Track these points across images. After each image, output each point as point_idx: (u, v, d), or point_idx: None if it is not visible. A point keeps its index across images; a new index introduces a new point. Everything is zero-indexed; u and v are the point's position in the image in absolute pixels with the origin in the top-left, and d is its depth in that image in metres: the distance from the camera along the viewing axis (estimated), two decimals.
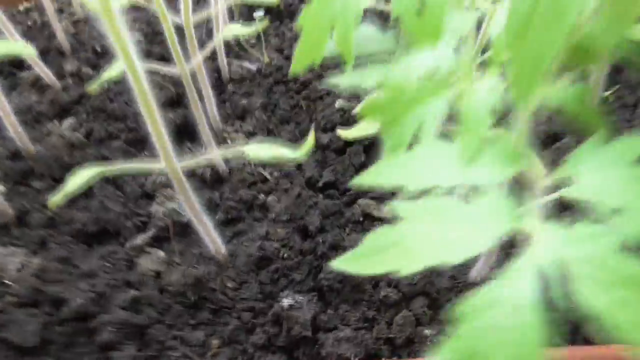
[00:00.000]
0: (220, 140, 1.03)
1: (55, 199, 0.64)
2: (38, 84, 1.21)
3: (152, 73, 0.69)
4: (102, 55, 1.29)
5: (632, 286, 0.28)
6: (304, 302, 0.74)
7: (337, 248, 0.83)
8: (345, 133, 0.92)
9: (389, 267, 0.32)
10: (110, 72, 0.80)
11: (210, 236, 0.79)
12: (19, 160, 0.99)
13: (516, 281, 0.30)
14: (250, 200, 0.92)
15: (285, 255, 0.83)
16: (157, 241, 0.86)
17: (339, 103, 1.06)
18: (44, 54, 1.27)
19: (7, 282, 0.76)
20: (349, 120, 1.04)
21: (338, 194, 0.94)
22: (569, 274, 0.29)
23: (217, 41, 0.97)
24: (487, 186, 0.35)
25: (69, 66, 1.24)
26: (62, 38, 1.28)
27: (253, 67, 1.21)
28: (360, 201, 0.89)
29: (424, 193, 0.37)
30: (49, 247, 0.85)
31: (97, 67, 1.24)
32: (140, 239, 0.85)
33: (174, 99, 1.12)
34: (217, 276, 0.79)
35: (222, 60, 1.18)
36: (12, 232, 0.87)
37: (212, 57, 1.19)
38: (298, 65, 0.50)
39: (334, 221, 0.86)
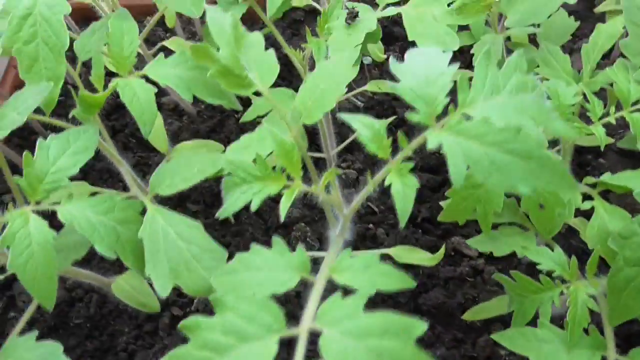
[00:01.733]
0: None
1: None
2: (177, 110, 1.43)
3: None
4: None
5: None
6: None
7: (432, 277, 1.05)
8: None
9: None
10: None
11: None
12: None
13: None
14: (363, 232, 1.15)
15: None
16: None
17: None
18: None
19: None
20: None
21: (434, 228, 1.15)
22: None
23: None
24: None
25: None
26: None
27: (359, 102, 1.41)
28: (453, 239, 1.11)
29: None
30: None
31: None
32: None
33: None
34: None
35: None
36: None
37: None
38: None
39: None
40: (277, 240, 0.51)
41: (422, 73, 0.48)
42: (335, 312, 0.43)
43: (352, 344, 0.40)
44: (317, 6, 0.84)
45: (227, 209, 0.53)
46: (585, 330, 0.62)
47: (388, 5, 0.71)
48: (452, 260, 1.06)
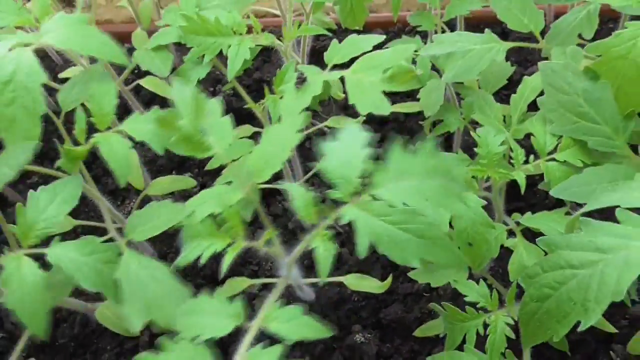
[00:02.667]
0: None
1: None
2: None
3: None
4: None
5: None
6: (371, 338, 1.08)
7: (392, 293, 1.15)
8: None
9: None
10: None
11: (301, 287, 1.12)
12: None
13: None
14: None
15: (356, 298, 1.17)
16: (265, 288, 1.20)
17: None
18: None
19: None
20: None
21: None
22: None
23: None
24: None
25: None
26: None
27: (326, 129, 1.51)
28: None
29: None
30: None
31: None
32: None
33: None
34: (308, 311, 1.13)
35: None
36: None
37: None
38: None
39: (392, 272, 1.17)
40: (219, 292, 0.61)
41: (343, 154, 0.58)
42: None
43: None
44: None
45: (184, 258, 0.63)
46: (504, 354, 0.73)
47: (336, 67, 0.80)
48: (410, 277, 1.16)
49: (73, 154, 0.74)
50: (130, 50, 0.97)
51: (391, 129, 1.32)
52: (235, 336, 0.62)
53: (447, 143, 1.25)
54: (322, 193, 1.29)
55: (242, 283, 0.93)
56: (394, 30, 1.52)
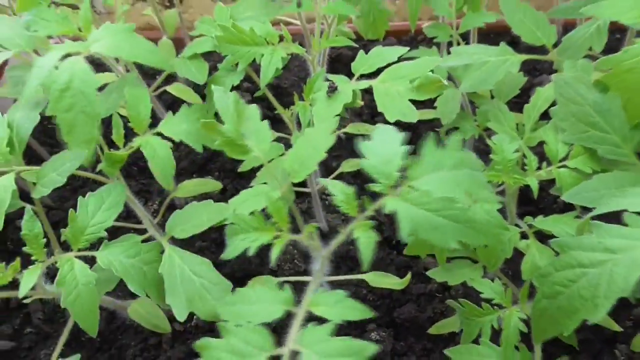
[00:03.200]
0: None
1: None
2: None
3: None
4: None
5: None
6: (386, 336, 1.13)
7: (406, 293, 1.20)
8: None
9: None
10: None
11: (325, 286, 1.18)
12: None
13: None
14: (344, 253, 1.30)
15: (371, 298, 1.21)
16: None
17: None
18: None
19: None
20: None
21: None
22: None
23: None
24: None
25: None
26: None
27: (342, 136, 1.56)
28: (424, 259, 1.25)
29: None
30: None
31: None
32: None
33: None
34: None
35: None
36: None
37: None
38: None
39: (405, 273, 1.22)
40: (269, 279, 0.66)
41: (381, 153, 0.63)
42: (310, 337, 0.58)
43: None
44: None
45: (230, 252, 0.68)
46: (517, 347, 0.78)
47: (362, 76, 0.86)
48: (423, 277, 1.19)
49: (114, 158, 0.79)
50: None
51: (417, 129, 1.38)
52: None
53: None
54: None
55: (267, 281, 0.98)
56: (407, 39, 1.58)
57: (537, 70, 1.46)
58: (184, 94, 1.20)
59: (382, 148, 0.64)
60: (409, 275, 0.99)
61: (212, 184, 1.04)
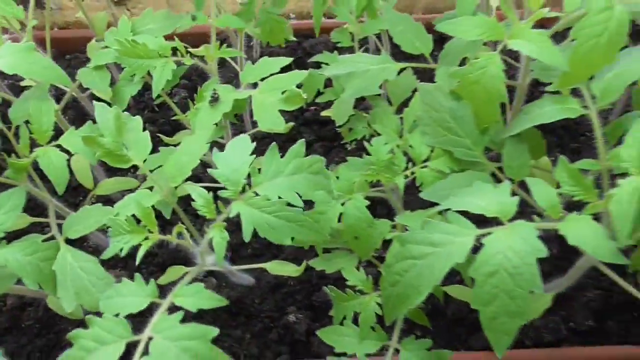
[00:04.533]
0: None
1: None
2: None
3: None
4: None
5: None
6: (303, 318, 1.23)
7: (324, 278, 1.30)
8: None
9: None
10: None
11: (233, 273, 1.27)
12: None
13: None
14: (268, 242, 1.40)
15: (292, 283, 1.31)
16: (211, 274, 1.35)
17: None
18: None
19: None
20: None
21: None
22: None
23: None
24: None
25: None
26: None
27: None
28: None
29: None
30: None
31: None
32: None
33: None
34: (248, 295, 1.28)
35: None
36: None
37: None
38: None
39: None
40: (138, 276, 0.75)
41: (231, 162, 0.73)
42: (162, 324, 0.68)
43: (170, 344, 0.65)
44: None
45: (110, 252, 0.78)
46: (373, 328, 0.88)
47: (248, 85, 0.94)
48: None
49: (18, 165, 0.88)
50: None
51: (330, 129, 1.46)
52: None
53: None
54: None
55: (179, 270, 1.07)
56: None
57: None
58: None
59: (232, 158, 0.73)
60: (304, 264, 1.09)
61: (130, 182, 1.13)
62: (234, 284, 1.25)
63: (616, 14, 0.76)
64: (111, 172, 1.28)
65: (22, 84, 1.36)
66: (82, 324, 1.26)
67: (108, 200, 1.33)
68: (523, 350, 1.05)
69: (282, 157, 0.76)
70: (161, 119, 1.53)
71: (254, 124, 1.36)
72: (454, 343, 1.10)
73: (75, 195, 1.41)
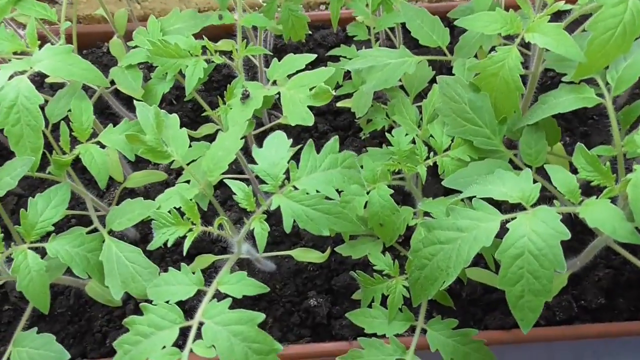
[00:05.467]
0: None
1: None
2: None
3: None
4: None
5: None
6: (323, 302, 1.28)
7: (343, 263, 1.35)
8: None
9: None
10: None
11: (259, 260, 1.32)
12: None
13: None
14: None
15: (311, 268, 1.36)
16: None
17: None
18: None
19: None
20: None
21: None
22: None
23: None
24: None
25: None
26: None
27: None
28: None
29: None
30: None
31: None
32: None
33: None
34: (270, 280, 1.33)
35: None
36: None
37: None
38: None
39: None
40: (184, 266, 0.81)
41: (270, 157, 0.77)
42: (212, 311, 0.73)
43: (221, 329, 0.70)
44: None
45: (155, 243, 0.83)
46: (401, 309, 0.94)
47: (275, 82, 0.99)
48: None
49: (60, 162, 0.92)
50: None
51: (344, 119, 1.50)
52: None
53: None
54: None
55: (208, 259, 1.12)
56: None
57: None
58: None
59: (270, 153, 0.78)
60: (328, 250, 1.14)
61: (158, 175, 1.18)
62: (257, 270, 1.29)
63: (631, 6, 0.80)
64: (132, 165, 1.33)
65: (47, 80, 1.40)
66: (114, 310, 1.34)
67: (131, 192, 1.38)
68: (537, 329, 1.10)
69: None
70: (179, 112, 1.57)
71: (270, 116, 1.41)
72: (469, 323, 1.15)
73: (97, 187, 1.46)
